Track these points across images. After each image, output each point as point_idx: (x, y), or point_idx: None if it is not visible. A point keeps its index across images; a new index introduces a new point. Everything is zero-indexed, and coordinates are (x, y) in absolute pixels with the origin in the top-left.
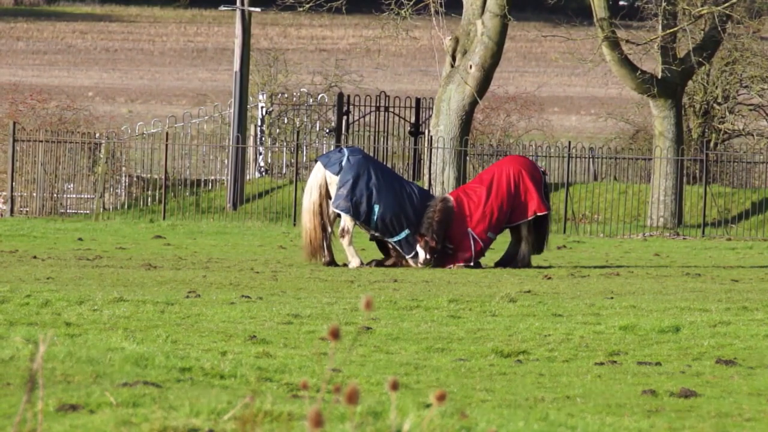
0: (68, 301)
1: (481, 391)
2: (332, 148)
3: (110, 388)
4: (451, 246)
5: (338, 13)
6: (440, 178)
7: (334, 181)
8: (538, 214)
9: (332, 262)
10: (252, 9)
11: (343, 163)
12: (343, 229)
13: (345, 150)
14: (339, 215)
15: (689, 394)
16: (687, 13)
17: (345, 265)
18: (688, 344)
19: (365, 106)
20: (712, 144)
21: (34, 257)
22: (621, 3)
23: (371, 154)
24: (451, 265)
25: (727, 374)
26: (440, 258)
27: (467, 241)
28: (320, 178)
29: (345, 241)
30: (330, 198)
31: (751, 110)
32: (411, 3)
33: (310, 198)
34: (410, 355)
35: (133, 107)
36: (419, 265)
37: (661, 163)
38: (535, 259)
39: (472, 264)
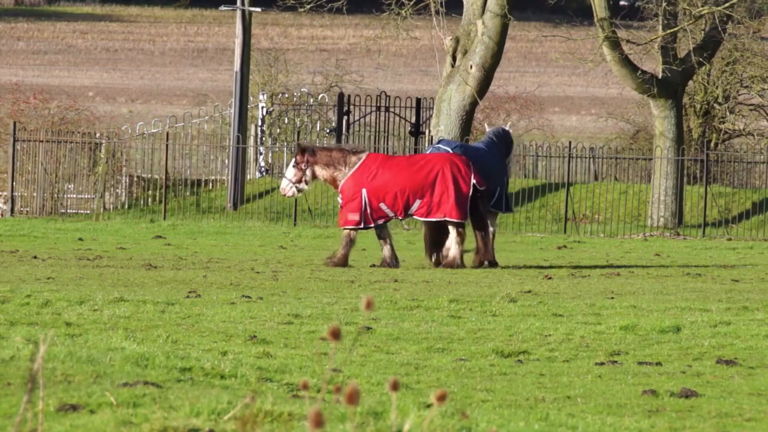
0: (69, 301)
1: (481, 391)
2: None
3: (110, 388)
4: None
5: (339, 13)
6: None
7: None
8: (448, 219)
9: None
10: (252, 9)
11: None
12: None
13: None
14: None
15: (690, 394)
16: (687, 13)
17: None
18: (688, 344)
19: (366, 106)
20: (712, 144)
21: (35, 257)
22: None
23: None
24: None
25: (727, 374)
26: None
27: (358, 201)
28: None
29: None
30: None
31: (751, 110)
32: (411, 3)
33: None
34: (411, 355)
35: (133, 107)
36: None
37: (661, 163)
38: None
39: (360, 227)
